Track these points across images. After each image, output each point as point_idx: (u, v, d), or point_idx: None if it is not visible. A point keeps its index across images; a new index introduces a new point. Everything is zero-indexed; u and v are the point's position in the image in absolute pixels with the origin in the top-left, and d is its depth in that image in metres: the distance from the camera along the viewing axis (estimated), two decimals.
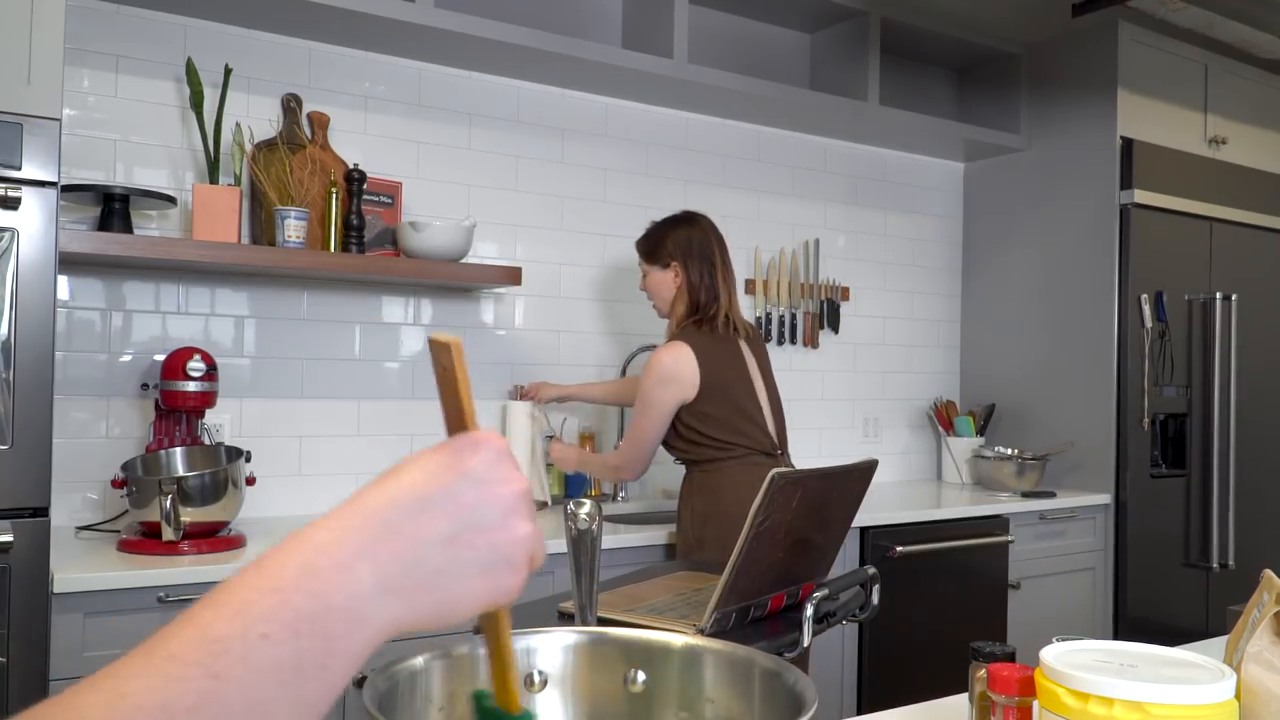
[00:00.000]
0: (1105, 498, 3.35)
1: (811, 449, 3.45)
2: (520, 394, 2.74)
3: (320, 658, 0.43)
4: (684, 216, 2.45)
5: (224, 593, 0.43)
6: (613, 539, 2.38)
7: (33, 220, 1.75)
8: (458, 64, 2.77)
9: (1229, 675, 0.79)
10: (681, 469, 2.44)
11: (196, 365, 2.17)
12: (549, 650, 0.80)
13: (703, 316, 2.35)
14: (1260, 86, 3.83)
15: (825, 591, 1.60)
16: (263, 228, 2.45)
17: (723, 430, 2.29)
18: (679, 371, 2.27)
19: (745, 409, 2.32)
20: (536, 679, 0.79)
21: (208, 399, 2.21)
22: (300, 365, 2.58)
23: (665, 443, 2.39)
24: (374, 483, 0.49)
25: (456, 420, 0.53)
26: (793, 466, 2.42)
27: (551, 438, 2.78)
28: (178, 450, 2.19)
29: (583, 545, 1.29)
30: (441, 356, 0.52)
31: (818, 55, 3.46)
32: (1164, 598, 3.43)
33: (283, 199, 2.43)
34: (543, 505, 2.70)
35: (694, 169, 3.26)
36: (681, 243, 2.38)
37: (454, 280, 2.59)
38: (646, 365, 2.34)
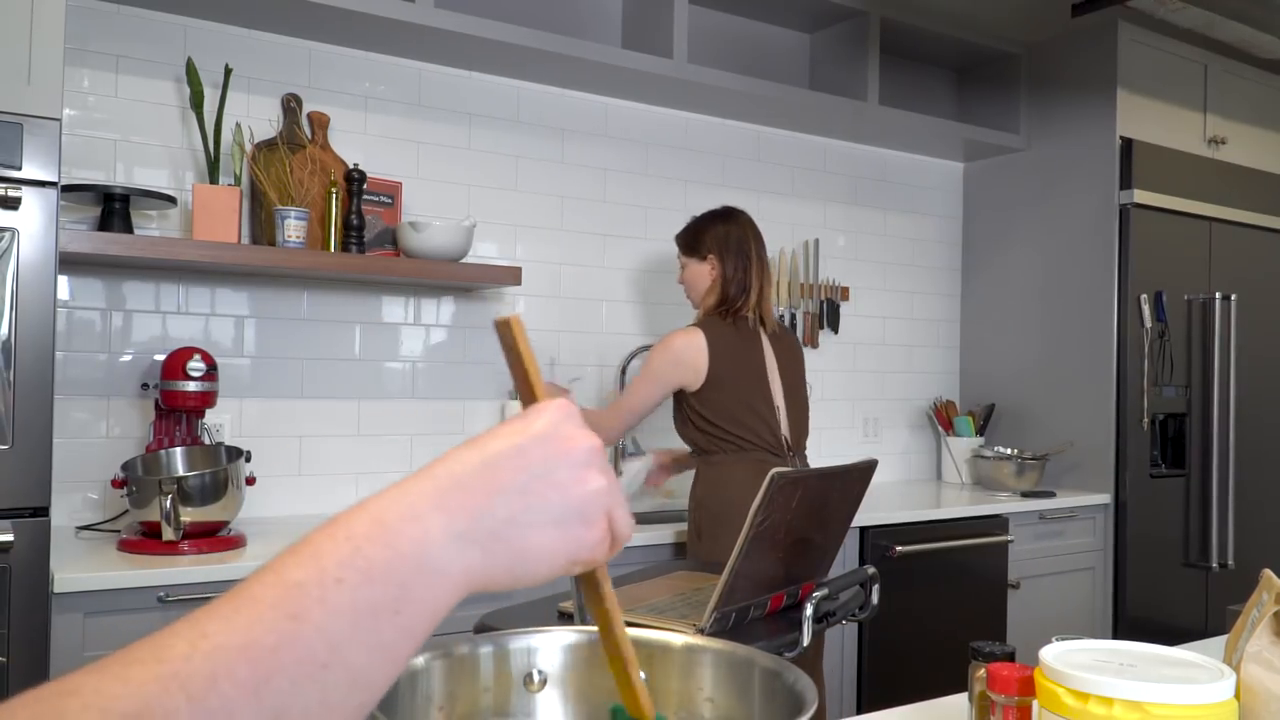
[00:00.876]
0: (1105, 498, 3.35)
1: (812, 449, 3.44)
2: (658, 466, 2.69)
3: (394, 603, 0.45)
4: (724, 212, 2.49)
5: (300, 546, 0.45)
6: None
7: (33, 220, 1.75)
8: (458, 64, 2.77)
9: (1229, 675, 0.79)
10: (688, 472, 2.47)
11: (196, 365, 2.17)
12: (549, 650, 0.80)
13: (729, 308, 2.39)
14: (1260, 86, 3.83)
15: (825, 591, 1.60)
16: (263, 228, 2.45)
17: (726, 420, 2.33)
18: (687, 357, 2.32)
19: (752, 403, 2.34)
20: (536, 678, 0.79)
21: (208, 399, 2.21)
22: (300, 365, 2.58)
23: (677, 429, 2.44)
24: (441, 456, 0.51)
25: (526, 393, 0.56)
26: (805, 467, 2.43)
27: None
28: (178, 450, 2.20)
29: None
30: (504, 335, 0.55)
31: (817, 55, 3.46)
32: (1164, 598, 3.43)
33: (283, 199, 2.43)
34: None
35: (694, 169, 3.26)
36: (719, 237, 2.43)
37: (454, 280, 2.60)
38: (660, 342, 2.40)
